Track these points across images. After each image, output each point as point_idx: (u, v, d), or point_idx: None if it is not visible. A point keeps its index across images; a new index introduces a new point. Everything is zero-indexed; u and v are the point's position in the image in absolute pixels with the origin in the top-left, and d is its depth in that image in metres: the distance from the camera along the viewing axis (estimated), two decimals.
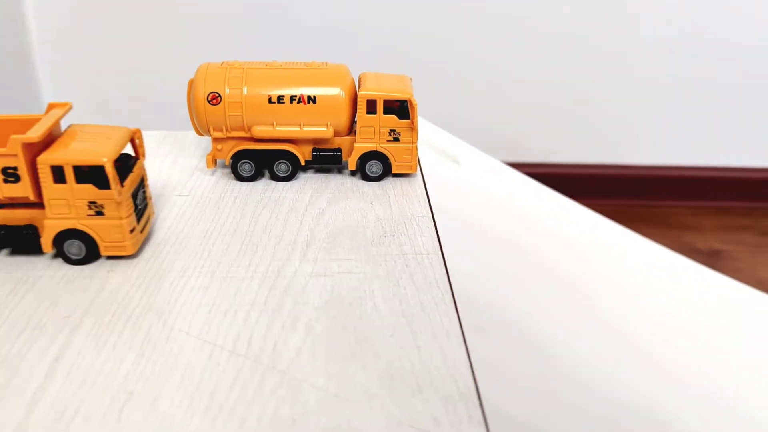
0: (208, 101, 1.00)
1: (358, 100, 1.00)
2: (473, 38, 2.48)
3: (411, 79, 1.10)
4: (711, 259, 2.32)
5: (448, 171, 0.93)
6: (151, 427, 0.61)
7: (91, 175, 0.81)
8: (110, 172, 0.80)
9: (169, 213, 0.97)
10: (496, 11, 2.43)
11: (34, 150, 0.80)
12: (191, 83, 1.02)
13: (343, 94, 1.02)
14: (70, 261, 0.84)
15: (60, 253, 0.84)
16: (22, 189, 0.81)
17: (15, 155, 0.79)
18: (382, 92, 1.01)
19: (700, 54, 2.50)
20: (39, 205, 0.83)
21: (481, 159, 1.28)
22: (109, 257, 0.86)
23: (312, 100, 1.01)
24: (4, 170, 0.80)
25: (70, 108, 0.88)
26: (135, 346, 0.71)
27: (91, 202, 0.82)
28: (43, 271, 0.83)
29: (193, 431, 0.61)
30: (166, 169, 1.08)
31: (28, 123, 0.85)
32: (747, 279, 2.10)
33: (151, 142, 1.17)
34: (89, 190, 0.81)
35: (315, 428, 0.61)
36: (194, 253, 0.87)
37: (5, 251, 0.87)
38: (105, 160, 0.80)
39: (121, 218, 0.82)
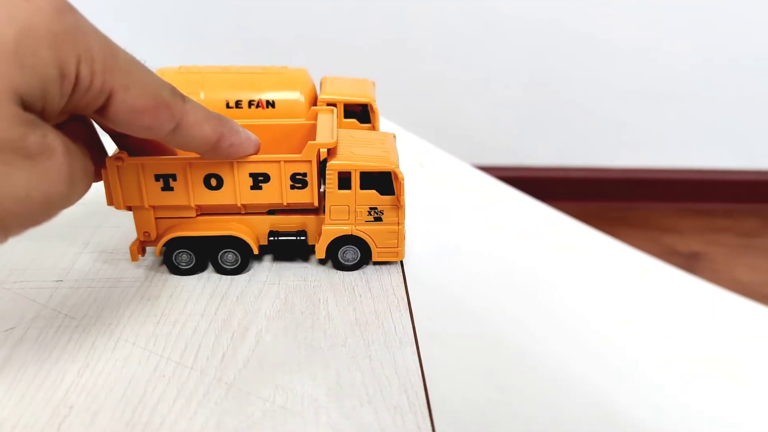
0: None
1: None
2: (446, 39, 2.47)
3: (374, 83, 1.09)
4: (690, 260, 2.32)
5: (412, 174, 0.91)
6: None
7: (376, 181, 0.81)
8: (399, 178, 0.79)
9: (129, 215, 0.95)
10: (473, 11, 2.43)
11: (320, 156, 0.80)
12: None
13: (302, 98, 1.00)
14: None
15: (331, 259, 0.84)
16: (308, 195, 0.80)
17: (309, 161, 0.78)
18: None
19: (680, 56, 2.50)
20: (312, 211, 0.84)
21: (447, 162, 1.27)
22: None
23: (270, 104, 0.99)
24: (293, 176, 0.79)
25: (339, 110, 0.88)
26: (79, 358, 0.69)
27: (371, 208, 0.82)
28: None
29: None
30: None
31: (289, 129, 0.86)
32: (725, 281, 2.10)
33: None
34: (372, 196, 0.81)
35: None
36: (145, 263, 0.86)
37: None
38: (394, 166, 0.79)
39: (398, 224, 0.82)
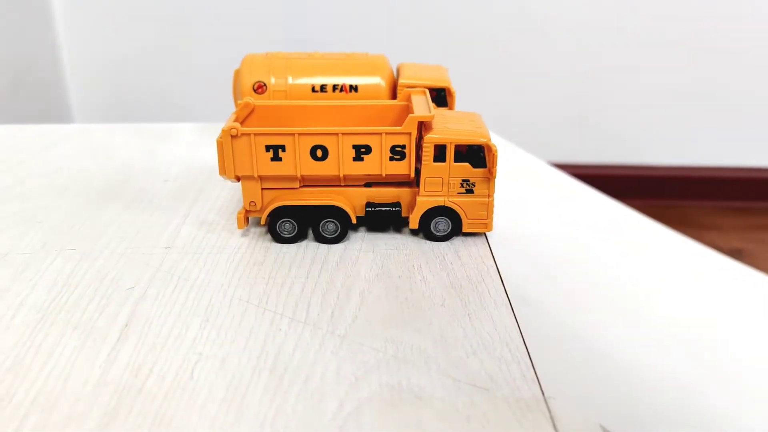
0: (254, 90, 1.04)
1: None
2: (492, 37, 2.51)
3: (447, 68, 1.13)
4: (732, 257, 2.33)
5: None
6: (222, 384, 0.64)
7: (468, 154, 0.86)
8: (492, 150, 0.84)
9: (223, 189, 1.01)
10: (518, 11, 2.47)
11: (418, 130, 0.85)
12: (236, 73, 1.06)
13: (383, 83, 1.05)
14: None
15: (423, 230, 0.89)
16: (405, 167, 0.85)
17: (408, 133, 0.83)
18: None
19: (723, 54, 2.53)
20: (406, 184, 0.89)
21: (518, 155, 1.31)
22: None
23: (354, 89, 1.04)
24: (393, 148, 0.84)
25: (428, 94, 0.92)
26: (199, 313, 0.74)
27: (464, 180, 0.86)
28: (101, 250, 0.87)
29: (262, 388, 0.64)
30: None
31: (382, 109, 0.91)
32: None
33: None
34: (465, 169, 0.86)
35: (377, 385, 0.64)
36: (245, 233, 0.91)
37: None
38: (485, 140, 0.84)
39: (489, 196, 0.87)
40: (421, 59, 1.23)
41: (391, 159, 0.84)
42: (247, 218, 0.89)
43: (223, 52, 2.16)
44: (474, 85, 2.56)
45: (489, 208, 0.87)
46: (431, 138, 0.84)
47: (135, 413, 0.61)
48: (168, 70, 2.51)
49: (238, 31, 2.45)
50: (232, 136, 0.82)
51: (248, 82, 1.04)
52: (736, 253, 2.42)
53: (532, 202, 1.13)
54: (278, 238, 0.87)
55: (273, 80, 1.03)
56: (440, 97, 1.07)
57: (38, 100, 2.38)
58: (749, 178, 2.70)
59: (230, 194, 1.01)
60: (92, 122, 2.48)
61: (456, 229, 0.88)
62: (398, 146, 0.83)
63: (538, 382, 0.66)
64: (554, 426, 0.61)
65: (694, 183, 2.70)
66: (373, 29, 2.48)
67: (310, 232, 0.89)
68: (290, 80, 1.04)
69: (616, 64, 2.55)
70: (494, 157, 0.84)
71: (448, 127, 0.86)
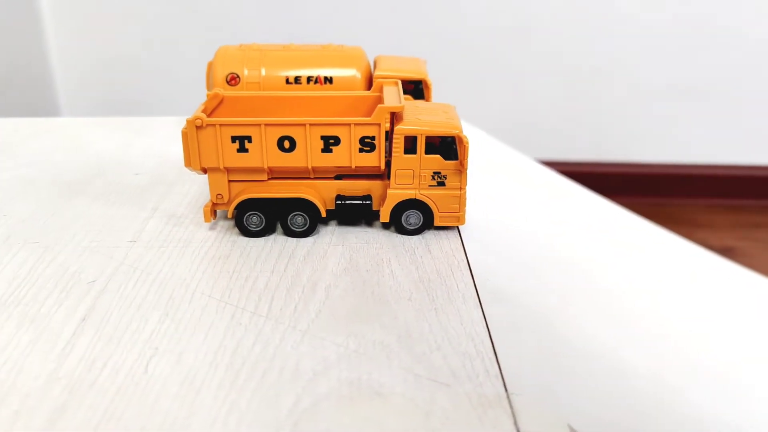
0: (227, 82, 1.02)
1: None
2: (484, 34, 2.50)
3: (426, 61, 1.12)
4: (724, 255, 2.32)
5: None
6: (177, 379, 0.63)
7: (437, 146, 0.84)
8: (464, 142, 0.82)
9: (194, 184, 0.99)
10: (509, 8, 2.45)
11: (387, 122, 0.83)
12: (210, 65, 1.04)
13: (359, 75, 1.04)
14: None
15: (395, 224, 0.87)
16: (375, 159, 0.84)
17: (377, 124, 0.82)
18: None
19: (715, 52, 2.51)
20: (377, 176, 0.87)
21: (499, 150, 1.30)
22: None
23: (328, 80, 1.02)
24: (362, 139, 0.82)
25: (400, 85, 0.91)
26: (159, 307, 0.73)
27: (435, 173, 0.84)
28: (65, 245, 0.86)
29: (217, 383, 0.62)
30: None
31: (355, 100, 0.89)
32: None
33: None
34: (437, 161, 0.84)
35: (336, 381, 0.63)
36: (213, 226, 0.89)
37: None
38: (457, 131, 0.83)
39: (461, 189, 0.85)
40: (410, 54, 1.21)
41: (361, 150, 0.82)
42: (215, 211, 0.87)
43: (214, 49, 2.14)
44: (464, 82, 2.55)
45: (461, 201, 0.85)
46: (401, 129, 0.82)
47: (85, 408, 0.59)
48: (158, 67, 2.49)
49: (228, 27, 2.43)
50: (197, 127, 0.80)
51: (221, 73, 1.02)
52: (728, 251, 2.40)
53: (512, 197, 1.11)
54: (246, 232, 0.85)
55: (246, 72, 1.02)
56: (417, 89, 1.06)
57: (27, 98, 2.36)
58: (742, 176, 2.68)
59: (201, 188, 1.00)
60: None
61: (428, 223, 0.87)
62: (368, 137, 0.82)
63: (502, 378, 0.64)
64: (515, 423, 0.59)
65: (687, 181, 2.69)
66: (369, 25, 2.46)
67: (280, 225, 0.87)
68: (263, 72, 1.02)
69: (609, 62, 2.54)
70: (465, 149, 0.82)
71: (420, 119, 0.84)
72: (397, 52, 1.25)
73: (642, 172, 2.68)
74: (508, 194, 1.14)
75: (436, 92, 1.33)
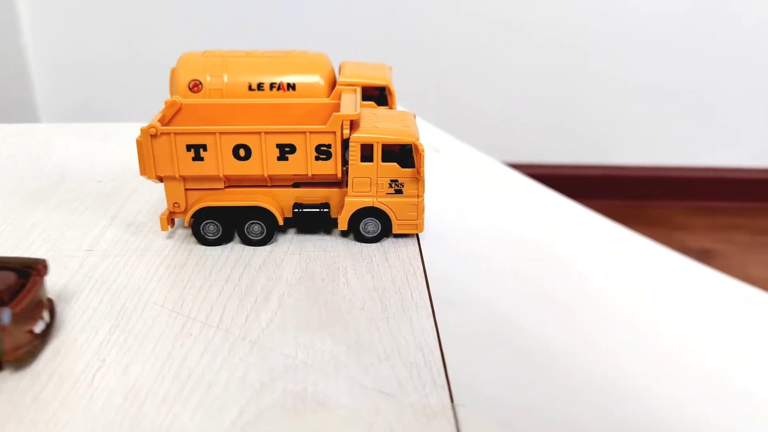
0: (190, 89, 1.02)
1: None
2: (462, 36, 2.50)
3: (391, 67, 1.12)
4: (702, 258, 2.33)
5: (428, 158, 0.94)
6: (122, 390, 0.62)
7: (396, 154, 0.85)
8: (420, 150, 0.82)
9: (155, 191, 0.99)
10: (487, 10, 2.46)
11: (343, 129, 0.83)
12: (173, 72, 1.04)
13: (322, 81, 1.04)
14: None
15: (353, 231, 0.87)
16: (332, 167, 0.84)
17: (333, 132, 0.82)
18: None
19: (693, 54, 2.52)
20: (335, 184, 0.87)
21: (463, 150, 1.30)
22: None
23: (291, 87, 1.02)
24: (318, 147, 0.82)
25: (360, 92, 0.91)
26: (110, 318, 0.72)
27: (392, 181, 0.84)
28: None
29: (162, 395, 0.62)
30: None
31: (314, 108, 0.89)
32: (738, 278, 2.11)
33: None
34: (394, 169, 0.84)
35: (281, 392, 0.63)
36: (171, 235, 0.89)
37: None
38: (415, 139, 0.83)
39: (419, 196, 0.85)
40: (386, 61, 1.20)
41: (317, 159, 0.82)
42: (172, 220, 0.87)
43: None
44: (436, 84, 2.55)
45: (419, 208, 0.86)
46: (357, 137, 0.82)
47: (27, 421, 0.59)
48: (135, 71, 2.49)
49: (204, 32, 2.43)
50: (152, 135, 0.80)
51: (183, 80, 1.02)
52: (705, 253, 2.41)
53: (475, 202, 1.11)
54: (203, 240, 0.85)
55: (209, 78, 1.01)
56: (382, 96, 1.06)
57: (2, 103, 2.35)
58: (719, 178, 2.69)
59: (162, 195, 0.99)
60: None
61: (386, 230, 0.87)
62: (323, 146, 0.82)
63: (449, 389, 0.64)
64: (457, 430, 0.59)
65: (665, 183, 2.70)
66: (338, 31, 2.46)
67: (237, 234, 0.87)
68: (226, 78, 1.01)
69: (585, 64, 2.54)
70: (421, 157, 0.82)
71: (376, 126, 0.84)
72: (366, 58, 1.24)
73: (619, 174, 2.69)
74: (471, 198, 1.14)
75: (408, 97, 1.34)
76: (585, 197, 2.58)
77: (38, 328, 0.66)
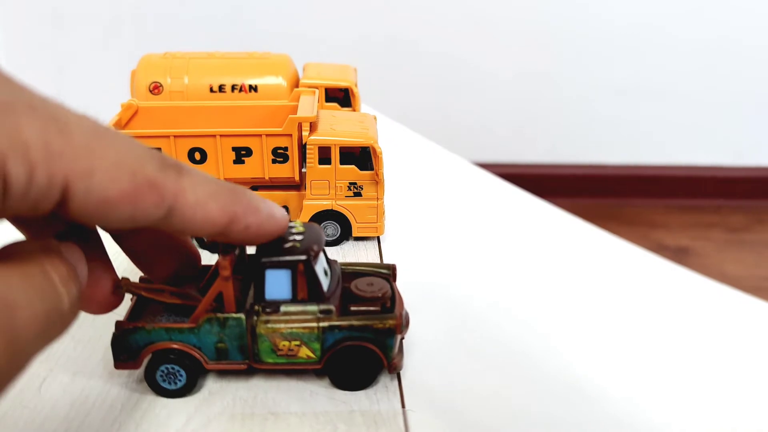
0: (150, 91, 1.00)
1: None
2: (439, 37, 2.50)
3: (356, 69, 1.11)
4: (678, 255, 2.34)
5: (389, 159, 0.93)
6: (68, 400, 0.61)
7: (355, 158, 0.84)
8: (377, 153, 0.82)
9: None
10: (467, 7, 2.46)
11: (301, 131, 0.83)
12: (133, 74, 1.03)
13: (285, 83, 1.03)
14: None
15: None
16: (289, 169, 0.83)
17: (290, 135, 0.81)
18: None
19: (670, 54, 2.53)
20: (293, 187, 0.86)
21: (435, 153, 1.29)
22: None
23: (253, 89, 1.01)
24: (275, 150, 0.81)
25: (320, 94, 0.90)
26: None
27: (351, 183, 0.84)
28: None
29: (108, 404, 0.61)
30: None
31: (273, 110, 0.88)
32: (713, 275, 2.12)
33: None
34: (352, 172, 0.84)
35: (231, 399, 0.62)
36: None
37: None
38: (373, 141, 0.82)
39: (378, 199, 0.85)
40: (353, 62, 1.19)
41: (274, 162, 0.82)
42: None
43: None
44: (410, 85, 2.54)
45: (378, 211, 0.85)
46: (314, 140, 0.82)
47: None
48: (96, 75, 2.47)
49: (166, 34, 2.42)
50: None
51: (143, 82, 1.01)
52: (682, 251, 2.42)
53: (440, 203, 1.11)
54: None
55: (169, 80, 1.00)
56: (346, 97, 1.05)
57: None
58: (698, 177, 2.71)
59: None
60: None
61: (345, 234, 0.86)
62: (280, 148, 0.81)
63: (400, 394, 0.64)
64: None
65: (644, 181, 2.71)
66: (305, 33, 2.45)
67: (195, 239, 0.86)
68: (187, 80, 1.00)
69: (565, 64, 2.55)
70: (379, 159, 0.82)
71: (334, 129, 0.83)
72: (333, 59, 1.24)
73: (599, 173, 2.70)
74: (434, 199, 1.13)
75: (374, 98, 1.33)
76: (564, 196, 2.59)
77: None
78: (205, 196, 0.46)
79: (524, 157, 2.71)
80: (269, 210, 0.52)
